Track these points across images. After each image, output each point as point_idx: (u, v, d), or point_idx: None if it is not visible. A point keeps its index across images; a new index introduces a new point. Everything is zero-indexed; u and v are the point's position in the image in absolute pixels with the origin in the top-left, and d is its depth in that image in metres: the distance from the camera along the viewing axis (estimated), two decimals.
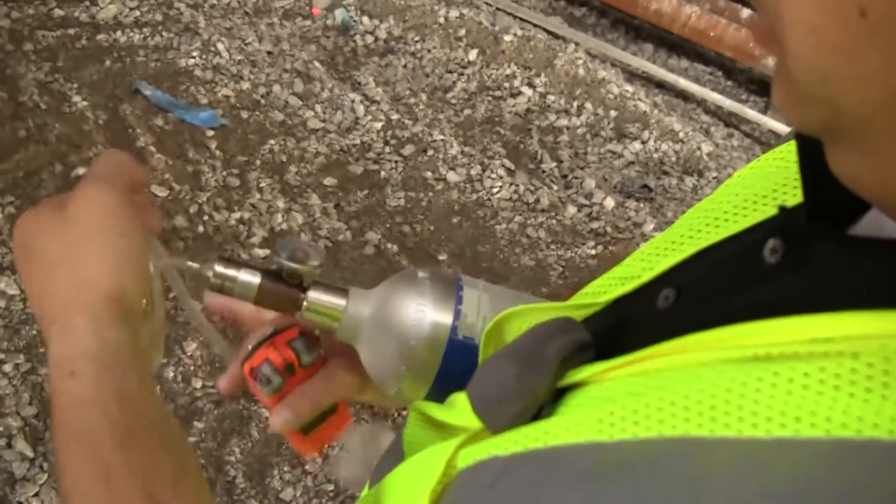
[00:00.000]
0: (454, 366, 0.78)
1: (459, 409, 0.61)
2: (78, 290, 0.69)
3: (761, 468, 0.38)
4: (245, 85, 3.24)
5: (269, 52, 3.46)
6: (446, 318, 0.79)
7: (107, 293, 0.69)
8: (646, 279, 0.61)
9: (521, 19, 4.24)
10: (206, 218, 2.66)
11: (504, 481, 0.49)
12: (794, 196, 0.56)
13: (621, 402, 0.46)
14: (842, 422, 0.37)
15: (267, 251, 2.65)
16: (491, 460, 0.51)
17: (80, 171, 2.58)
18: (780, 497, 0.36)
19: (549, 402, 0.54)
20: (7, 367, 2.10)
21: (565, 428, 0.47)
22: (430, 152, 3.30)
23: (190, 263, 0.82)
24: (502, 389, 0.53)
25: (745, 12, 4.27)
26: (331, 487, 2.18)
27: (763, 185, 0.59)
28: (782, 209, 0.50)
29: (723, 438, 0.40)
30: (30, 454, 1.98)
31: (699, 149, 3.75)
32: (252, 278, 0.82)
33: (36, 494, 1.94)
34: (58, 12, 3.18)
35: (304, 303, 0.83)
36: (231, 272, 0.82)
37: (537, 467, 0.48)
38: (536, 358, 0.54)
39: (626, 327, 0.60)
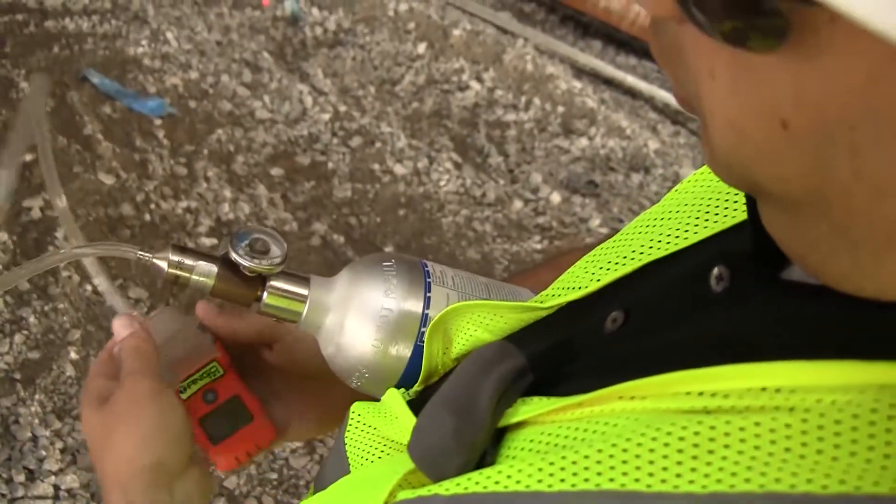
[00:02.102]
0: (419, 367, 0.75)
1: (402, 426, 0.63)
2: (115, 468, 0.78)
3: None
4: (193, 74, 3.24)
5: (217, 42, 3.45)
6: (413, 321, 0.77)
7: (139, 466, 0.78)
8: (592, 289, 0.62)
9: (471, 14, 4.25)
10: (152, 206, 2.66)
11: None
12: (741, 209, 0.56)
13: (562, 451, 0.46)
14: (776, 477, 0.38)
15: (214, 240, 2.65)
16: (431, 498, 0.51)
17: (27, 157, 2.56)
18: None
19: (490, 446, 0.54)
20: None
21: (507, 475, 0.47)
22: (378, 144, 3.31)
23: (141, 253, 0.80)
24: (442, 446, 0.53)
25: None
26: (274, 476, 2.18)
27: (713, 194, 0.60)
28: (713, 249, 0.53)
29: (659, 493, 0.40)
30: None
31: (646, 145, 3.78)
32: (209, 268, 0.79)
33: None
34: None
35: (265, 293, 0.80)
36: (188, 261, 0.79)
37: None
38: (472, 405, 0.54)
39: (572, 349, 0.60)
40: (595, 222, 3.32)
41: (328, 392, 0.90)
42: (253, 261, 0.78)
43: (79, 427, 2.07)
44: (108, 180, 2.67)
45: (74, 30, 3.19)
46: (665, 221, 0.62)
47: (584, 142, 3.72)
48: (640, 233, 0.63)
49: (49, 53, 3.03)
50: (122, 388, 0.81)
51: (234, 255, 0.78)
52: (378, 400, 0.72)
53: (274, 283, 0.80)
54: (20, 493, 1.93)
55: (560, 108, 3.85)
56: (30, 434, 2.02)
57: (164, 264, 0.79)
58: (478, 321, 0.69)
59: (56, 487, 1.97)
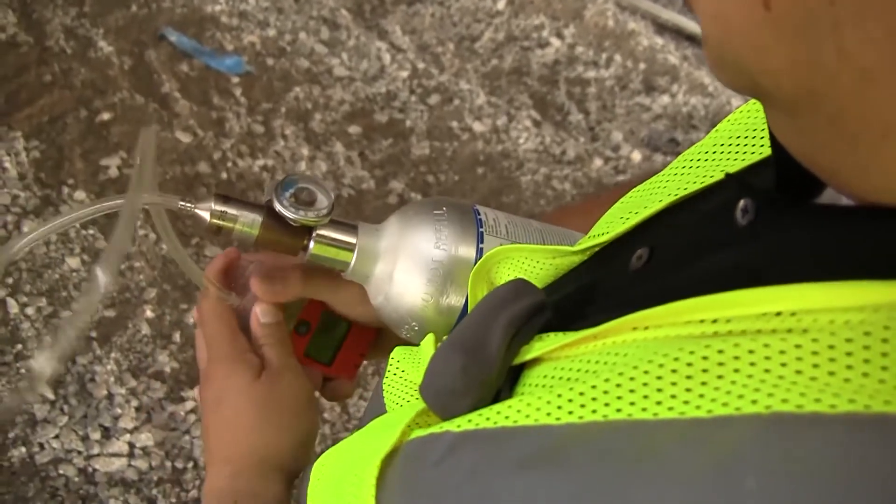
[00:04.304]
0: None
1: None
2: (236, 447, 0.82)
3: (698, 448, 0.37)
4: (271, 32, 3.23)
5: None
6: (465, 274, 0.75)
7: (277, 461, 0.82)
8: (619, 231, 0.61)
9: None
10: (229, 165, 2.66)
11: (450, 460, 0.49)
12: (768, 143, 0.55)
13: (571, 384, 0.45)
14: (783, 398, 0.36)
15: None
16: (443, 434, 0.51)
17: (105, 116, 2.58)
18: (713, 475, 0.36)
19: (505, 385, 0.54)
20: (29, 311, 2.10)
21: (516, 409, 0.47)
22: (456, 102, 3.28)
23: (182, 203, 0.76)
24: (451, 386, 0.53)
25: None
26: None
27: (744, 131, 0.59)
28: (740, 182, 0.51)
29: (665, 421, 0.39)
30: (51, 396, 1.99)
31: (729, 103, 3.71)
32: (253, 217, 0.77)
33: (56, 436, 1.95)
34: None
35: (311, 242, 0.78)
36: (231, 211, 0.76)
37: (484, 449, 0.48)
38: (482, 344, 0.53)
39: (598, 289, 0.59)
40: None
41: None
42: (298, 212, 0.75)
43: (154, 385, 2.08)
44: (185, 138, 2.67)
45: None
46: (701, 162, 0.61)
47: (665, 99, 3.66)
48: (675, 174, 0.62)
49: (127, 12, 3.03)
50: (279, 379, 0.83)
51: (278, 207, 0.75)
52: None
53: (321, 231, 0.77)
54: (95, 450, 1.95)
55: (641, 65, 3.79)
56: (105, 392, 2.04)
57: (206, 214, 0.76)
58: (518, 266, 0.68)
59: (131, 445, 1.98)
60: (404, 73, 3.32)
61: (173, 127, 2.68)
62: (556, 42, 3.77)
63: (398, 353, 0.70)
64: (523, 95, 3.43)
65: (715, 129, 0.64)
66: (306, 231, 0.78)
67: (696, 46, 4.10)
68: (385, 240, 0.78)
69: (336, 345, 0.92)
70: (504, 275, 0.69)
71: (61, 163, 2.42)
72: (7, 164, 2.34)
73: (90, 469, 1.92)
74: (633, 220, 0.60)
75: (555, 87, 3.55)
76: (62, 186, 2.37)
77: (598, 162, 3.24)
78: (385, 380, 0.70)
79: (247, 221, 0.76)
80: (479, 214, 0.78)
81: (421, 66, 3.38)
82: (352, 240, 0.78)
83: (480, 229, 0.76)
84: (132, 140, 2.46)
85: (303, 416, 0.84)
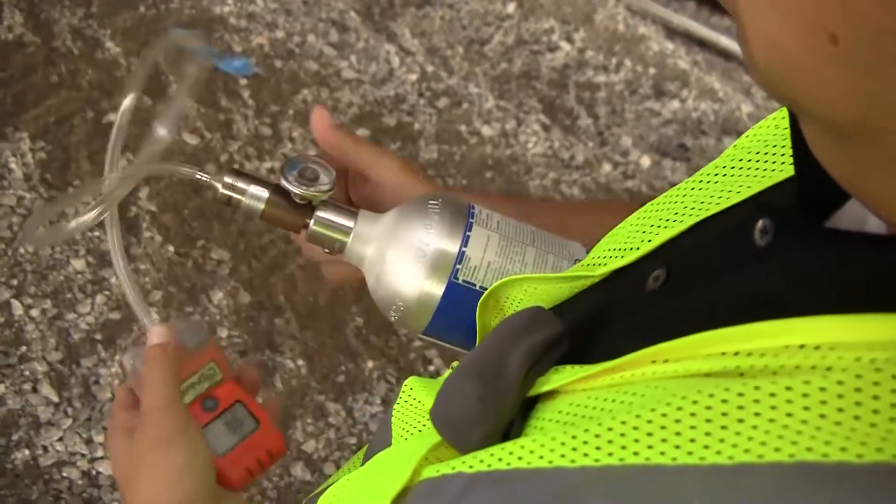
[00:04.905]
0: (453, 308, 0.78)
1: None
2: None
3: (719, 497, 0.36)
4: (279, 34, 3.22)
5: (304, 1, 3.42)
6: (449, 256, 0.78)
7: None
8: (644, 251, 0.59)
9: None
10: (236, 167, 2.64)
11: (464, 502, 0.48)
12: (790, 162, 0.53)
13: (587, 423, 0.44)
14: (807, 446, 0.35)
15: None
16: (455, 476, 0.49)
17: (112, 117, 2.56)
18: None
19: (518, 416, 0.53)
20: (34, 312, 2.10)
21: (530, 450, 0.46)
22: (465, 105, 3.27)
23: (199, 174, 0.83)
24: (466, 414, 0.52)
25: None
26: (353, 440, 2.17)
27: (766, 148, 0.58)
28: (759, 202, 0.50)
29: (684, 467, 0.38)
30: (55, 399, 1.99)
31: (739, 108, 3.70)
32: (260, 193, 0.82)
33: (60, 439, 1.94)
34: None
35: (312, 221, 0.82)
36: (241, 184, 0.82)
37: (497, 491, 0.46)
38: (499, 373, 0.52)
39: (613, 312, 0.58)
40: None
41: None
42: (301, 187, 0.80)
43: None
44: (192, 140, 2.66)
45: None
46: (720, 178, 0.59)
47: (675, 104, 3.65)
48: (693, 189, 0.61)
49: (135, 13, 3.02)
50: (144, 426, 0.80)
51: (283, 182, 0.81)
52: (417, 337, 0.73)
53: (321, 213, 0.83)
54: (99, 453, 1.94)
55: (652, 70, 3.78)
56: (110, 395, 2.03)
57: (218, 185, 0.82)
58: (529, 290, 0.68)
59: None
60: (413, 76, 3.31)
61: (180, 128, 2.67)
62: (565, 46, 3.76)
63: (412, 381, 0.69)
64: (532, 99, 3.42)
65: (733, 144, 0.63)
66: (309, 210, 0.83)
67: (707, 52, 4.09)
68: (381, 225, 0.83)
69: (236, 441, 0.86)
70: (515, 299, 0.69)
71: (67, 164, 2.42)
72: (13, 165, 2.33)
73: (94, 472, 1.92)
74: (656, 241, 0.59)
75: (564, 91, 3.54)
76: (68, 188, 2.36)
77: (606, 167, 3.23)
78: (396, 407, 0.69)
79: (254, 195, 0.82)
80: (472, 208, 0.82)
81: (430, 69, 3.37)
82: (350, 223, 0.83)
83: (471, 220, 0.80)
84: (139, 142, 2.45)
85: (169, 450, 0.79)
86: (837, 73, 0.34)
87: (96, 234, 2.26)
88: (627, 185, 3.19)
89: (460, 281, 0.77)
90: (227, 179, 0.82)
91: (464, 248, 0.78)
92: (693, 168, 3.36)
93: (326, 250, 0.85)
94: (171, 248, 2.34)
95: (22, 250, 2.18)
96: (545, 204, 1.21)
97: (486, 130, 3.20)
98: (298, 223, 0.83)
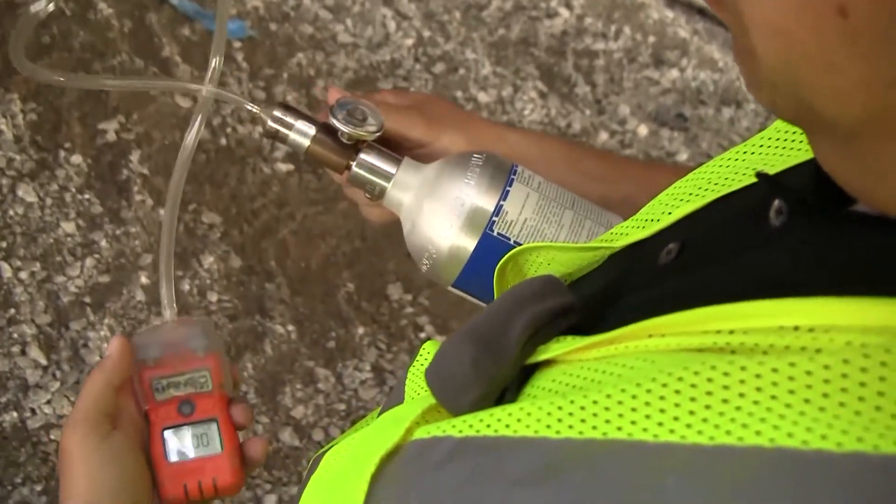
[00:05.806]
0: (484, 260, 0.78)
1: None
2: None
3: (697, 479, 0.35)
4: None
5: None
6: (486, 211, 0.79)
7: None
8: (664, 224, 0.59)
9: None
10: (229, 131, 2.64)
11: (451, 465, 0.47)
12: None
13: (574, 394, 0.44)
14: (788, 431, 0.34)
15: (291, 166, 2.62)
16: (445, 438, 0.49)
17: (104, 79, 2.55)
18: None
19: (514, 383, 0.52)
20: (23, 275, 2.10)
21: (517, 418, 0.46)
22: (462, 71, 3.25)
23: (250, 105, 0.86)
24: (459, 376, 0.51)
25: None
26: (342, 407, 2.17)
27: (792, 127, 0.57)
28: (774, 182, 0.49)
29: (665, 444, 0.37)
30: (43, 362, 1.99)
31: (739, 79, 3.67)
32: (307, 129, 0.84)
33: (48, 402, 1.95)
34: None
35: (355, 163, 0.84)
36: (289, 119, 0.84)
37: (482, 459, 0.46)
38: (499, 338, 0.51)
39: (625, 285, 0.58)
40: (683, 157, 3.25)
41: None
42: (349, 126, 0.81)
43: None
44: (185, 103, 2.64)
45: None
46: (748, 156, 0.59)
47: (674, 73, 3.63)
48: (721, 165, 0.60)
49: None
50: (64, 436, 0.81)
51: (332, 119, 0.82)
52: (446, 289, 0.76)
53: (365, 156, 0.84)
54: None
55: (651, 38, 3.75)
56: (98, 358, 2.02)
57: (267, 118, 0.85)
58: (549, 257, 0.68)
59: None
60: (409, 41, 3.29)
61: (173, 91, 2.65)
62: (564, 13, 3.73)
63: (430, 344, 0.70)
64: (530, 66, 3.40)
65: (771, 127, 0.62)
66: (353, 152, 0.85)
67: (707, 20, 4.06)
68: (423, 175, 0.84)
69: (191, 455, 0.82)
70: (535, 263, 0.69)
71: (58, 126, 2.40)
72: (3, 127, 2.32)
73: None
74: (677, 214, 0.58)
75: (562, 58, 3.51)
76: (59, 150, 2.35)
77: (603, 135, 3.22)
78: (411, 368, 0.70)
79: (301, 131, 0.84)
80: (516, 167, 0.83)
81: (426, 34, 3.35)
82: (392, 170, 0.85)
83: (512, 176, 0.81)
84: (130, 104, 2.43)
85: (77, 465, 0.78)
86: (850, 54, 0.32)
87: (86, 196, 2.25)
88: (625, 154, 3.19)
89: (495, 233, 0.78)
90: (276, 113, 0.84)
91: (502, 202, 0.79)
92: (691, 138, 3.35)
93: (368, 195, 0.86)
94: (163, 212, 2.32)
95: (11, 212, 2.17)
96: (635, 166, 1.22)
97: (483, 97, 3.18)
98: (341, 164, 0.84)
